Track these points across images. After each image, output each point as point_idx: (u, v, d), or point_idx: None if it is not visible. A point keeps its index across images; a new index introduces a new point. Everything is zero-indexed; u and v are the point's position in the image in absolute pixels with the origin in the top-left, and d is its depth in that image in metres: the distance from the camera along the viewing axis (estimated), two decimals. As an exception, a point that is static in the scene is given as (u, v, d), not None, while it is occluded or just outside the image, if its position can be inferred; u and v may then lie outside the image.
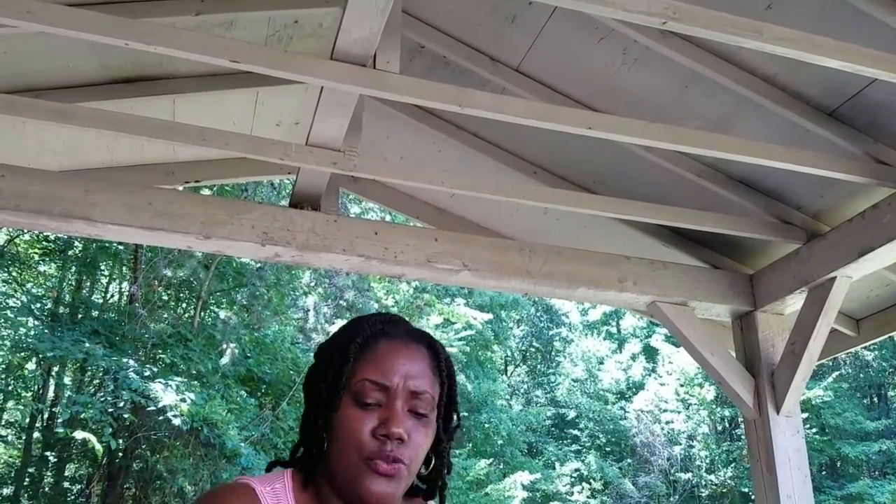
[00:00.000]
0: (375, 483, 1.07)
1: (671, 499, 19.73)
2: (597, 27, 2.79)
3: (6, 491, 12.14)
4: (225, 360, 10.79)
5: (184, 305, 12.73)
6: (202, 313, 11.90)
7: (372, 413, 1.10)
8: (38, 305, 11.86)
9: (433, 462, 1.19)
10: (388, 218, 10.80)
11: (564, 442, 21.46)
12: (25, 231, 11.01)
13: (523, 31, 2.92)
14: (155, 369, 9.82)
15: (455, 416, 1.22)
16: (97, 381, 11.45)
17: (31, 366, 11.98)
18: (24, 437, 12.43)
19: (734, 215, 3.22)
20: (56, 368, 12.07)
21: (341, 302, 12.27)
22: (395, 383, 1.11)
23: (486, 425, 17.41)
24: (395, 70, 2.37)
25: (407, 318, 1.26)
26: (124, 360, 9.59)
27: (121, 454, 10.72)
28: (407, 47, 2.99)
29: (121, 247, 11.58)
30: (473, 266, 2.99)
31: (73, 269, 13.01)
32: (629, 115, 2.74)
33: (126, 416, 9.85)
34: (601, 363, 23.64)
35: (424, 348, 1.18)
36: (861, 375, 21.75)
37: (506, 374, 23.31)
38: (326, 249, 2.83)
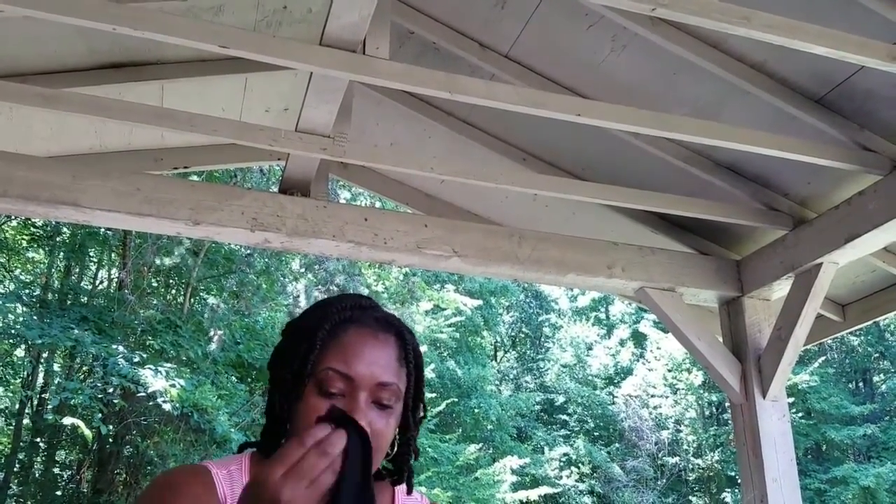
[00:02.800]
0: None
1: (658, 482, 19.90)
2: (586, 14, 2.79)
3: (-4, 477, 12.12)
4: (213, 346, 10.78)
5: (173, 292, 12.70)
6: (191, 300, 11.87)
7: (334, 402, 1.08)
8: (27, 292, 11.79)
9: (397, 448, 1.17)
10: (377, 204, 10.78)
11: (553, 427, 21.58)
12: (13, 217, 10.93)
13: (513, 17, 2.91)
14: (144, 355, 9.79)
15: (422, 405, 1.20)
16: (86, 367, 11.42)
17: (19, 352, 11.93)
18: (13, 424, 12.40)
19: (722, 202, 3.24)
20: (45, 355, 12.03)
21: (332, 287, 12.27)
22: (360, 374, 1.09)
23: (476, 410, 17.47)
24: (385, 56, 2.36)
25: (379, 303, 1.21)
26: (113, 346, 9.54)
27: (111, 440, 10.71)
28: (396, 33, 2.99)
29: (109, 232, 11.52)
30: (463, 252, 3.01)
31: (62, 255, 12.93)
32: (618, 102, 2.75)
33: (116, 401, 9.83)
34: (590, 349, 23.74)
35: (393, 337, 1.15)
36: (847, 360, 21.97)
37: (495, 360, 23.38)
38: (316, 235, 2.84)
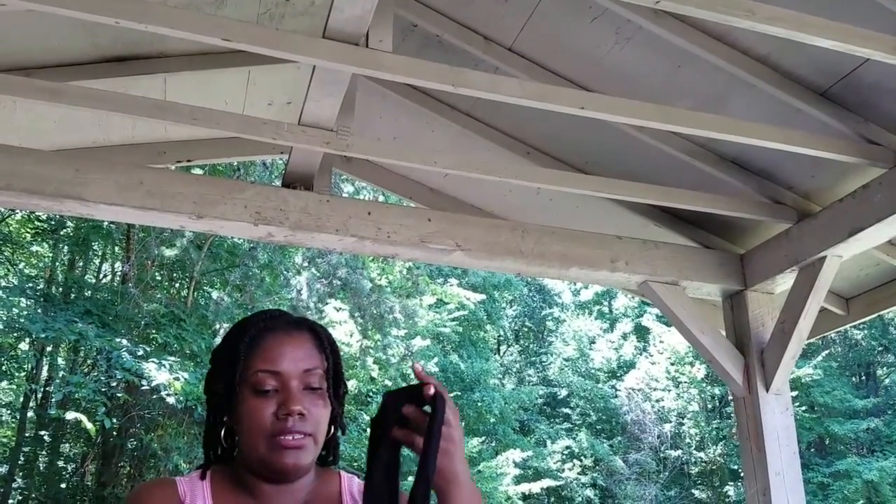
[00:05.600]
0: (285, 455, 1.21)
1: (661, 475, 19.93)
2: (590, 6, 2.78)
3: (0, 470, 12.17)
4: (217, 339, 10.79)
5: (177, 286, 12.72)
6: (195, 293, 11.89)
7: (271, 399, 1.23)
8: (31, 286, 11.82)
9: (331, 429, 1.32)
10: (381, 198, 10.77)
11: (556, 420, 21.63)
12: (17, 211, 10.95)
13: (516, 10, 2.91)
14: (148, 349, 9.82)
15: (343, 385, 1.35)
16: (90, 360, 11.45)
17: (24, 346, 11.96)
18: (17, 417, 12.44)
19: (725, 195, 3.23)
20: (49, 349, 12.06)
21: (335, 281, 12.27)
22: (286, 368, 1.25)
23: (479, 404, 17.51)
24: (388, 49, 2.36)
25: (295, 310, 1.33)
26: (117, 339, 9.57)
27: (115, 433, 10.75)
28: (399, 26, 2.98)
29: (113, 226, 11.53)
30: (466, 246, 3.00)
31: (66, 248, 12.96)
32: (622, 95, 2.74)
33: (120, 395, 9.87)
34: (593, 342, 23.75)
35: (306, 333, 1.31)
36: (850, 354, 21.95)
37: (498, 354, 23.42)
38: (319, 229, 2.84)
